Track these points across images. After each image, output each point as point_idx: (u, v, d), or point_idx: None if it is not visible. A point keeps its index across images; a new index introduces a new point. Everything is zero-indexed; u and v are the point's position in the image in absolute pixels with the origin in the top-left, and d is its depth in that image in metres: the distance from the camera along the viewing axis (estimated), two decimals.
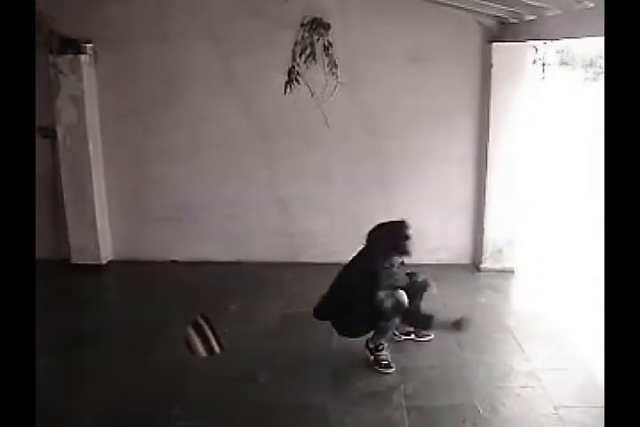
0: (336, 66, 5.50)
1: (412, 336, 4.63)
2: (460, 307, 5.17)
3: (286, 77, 5.47)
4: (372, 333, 4.23)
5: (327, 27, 5.49)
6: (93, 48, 5.76)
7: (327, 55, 5.49)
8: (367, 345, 4.27)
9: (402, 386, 3.94)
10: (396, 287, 4.13)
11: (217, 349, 3.55)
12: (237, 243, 6.13)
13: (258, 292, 5.47)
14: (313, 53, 5.50)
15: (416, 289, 4.36)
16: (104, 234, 6.16)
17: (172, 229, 6.15)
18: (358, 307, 4.08)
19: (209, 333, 3.56)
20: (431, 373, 4.12)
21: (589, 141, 12.67)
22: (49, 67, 5.53)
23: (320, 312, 4.30)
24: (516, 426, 3.57)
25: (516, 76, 5.58)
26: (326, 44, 5.49)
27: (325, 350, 4.44)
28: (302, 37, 5.48)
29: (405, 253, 4.23)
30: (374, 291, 4.04)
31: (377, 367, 4.18)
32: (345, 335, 4.30)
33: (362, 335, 4.26)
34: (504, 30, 5.54)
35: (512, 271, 5.95)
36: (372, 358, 4.24)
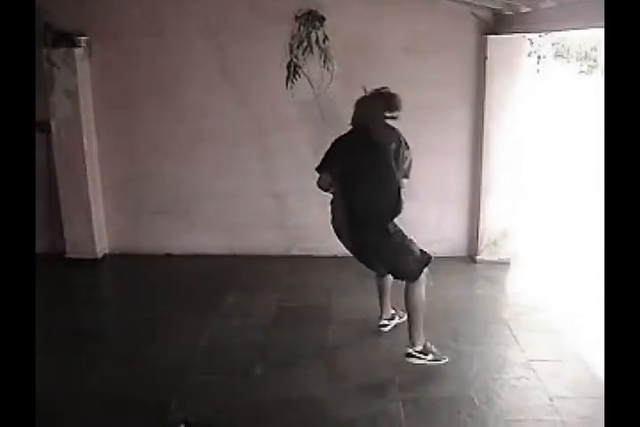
0: (331, 59, 5.49)
1: (397, 319, 4.60)
2: (456, 298, 5.20)
3: (285, 71, 5.44)
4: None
5: (322, 19, 5.47)
6: (88, 41, 5.73)
7: (321, 48, 5.48)
8: (410, 354, 4.06)
9: (397, 378, 3.95)
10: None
11: None
12: (233, 236, 6.13)
13: (253, 285, 5.48)
14: (309, 46, 5.48)
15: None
16: (99, 228, 6.16)
17: (167, 222, 6.14)
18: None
19: None
20: (426, 365, 4.12)
21: (585, 134, 12.70)
22: (43, 60, 5.50)
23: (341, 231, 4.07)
24: (512, 417, 3.58)
25: (511, 69, 5.58)
26: (321, 36, 5.48)
27: (321, 343, 4.45)
28: (298, 30, 5.47)
29: (397, 108, 3.91)
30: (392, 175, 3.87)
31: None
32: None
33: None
34: (499, 22, 5.53)
35: (508, 263, 5.97)
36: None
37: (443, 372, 4.04)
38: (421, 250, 4.04)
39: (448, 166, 5.97)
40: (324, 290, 5.28)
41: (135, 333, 4.64)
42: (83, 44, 5.70)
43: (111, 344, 4.52)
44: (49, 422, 3.42)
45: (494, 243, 5.93)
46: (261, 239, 6.15)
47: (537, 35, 5.61)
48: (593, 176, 8.00)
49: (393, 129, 3.99)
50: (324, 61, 5.46)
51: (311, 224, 5.92)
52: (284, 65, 5.45)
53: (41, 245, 5.79)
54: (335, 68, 5.50)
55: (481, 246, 5.95)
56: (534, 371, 4.02)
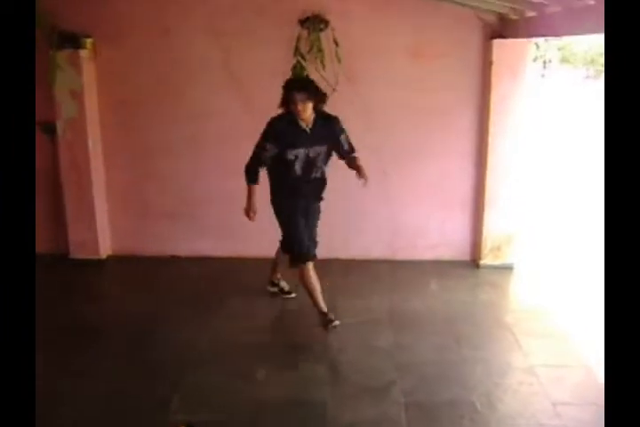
0: (337, 62, 5.50)
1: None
2: (459, 303, 5.19)
3: (290, 73, 5.44)
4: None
5: (326, 23, 5.48)
6: (93, 42, 5.75)
7: (324, 51, 5.49)
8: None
9: (399, 382, 3.94)
10: None
11: None
12: (237, 238, 6.12)
13: (258, 287, 5.47)
14: (314, 49, 5.49)
15: None
16: (103, 229, 6.16)
17: (172, 224, 6.14)
18: None
19: None
20: (429, 369, 4.11)
21: (589, 139, 12.68)
22: (49, 61, 5.51)
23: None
24: (514, 422, 3.57)
25: (516, 73, 5.57)
26: (325, 40, 5.49)
27: (324, 346, 4.45)
28: (308, 35, 5.48)
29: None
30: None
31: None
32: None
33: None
34: (505, 27, 5.53)
35: (511, 268, 5.95)
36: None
37: (445, 376, 4.04)
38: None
39: (452, 170, 5.96)
40: (328, 292, 5.27)
41: (138, 333, 4.64)
42: (88, 46, 5.72)
43: (114, 344, 4.51)
44: (50, 419, 3.43)
45: (498, 247, 5.92)
46: (266, 242, 6.14)
47: (543, 39, 5.58)
48: (597, 181, 7.98)
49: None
50: (323, 65, 5.47)
51: None
52: (289, 67, 5.47)
53: (45, 245, 5.88)
54: (339, 71, 5.52)
55: (484, 251, 5.94)
56: (537, 376, 4.01)
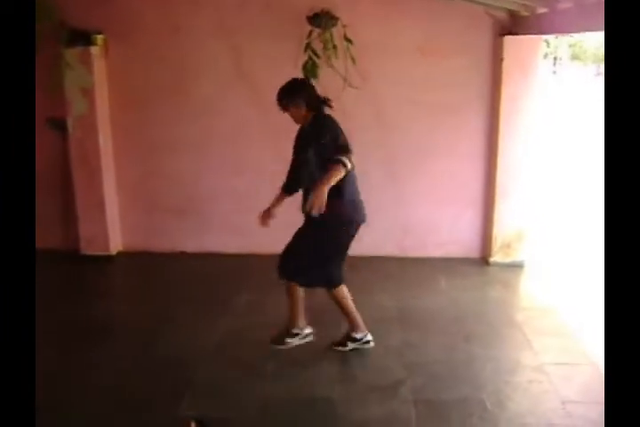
0: (351, 60, 5.49)
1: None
2: (469, 301, 5.18)
3: (300, 70, 5.43)
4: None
5: (335, 20, 5.47)
6: (104, 40, 5.76)
7: (335, 48, 5.48)
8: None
9: (409, 380, 3.93)
10: None
11: None
12: (246, 235, 6.11)
13: (266, 284, 5.47)
14: (328, 46, 5.48)
15: None
16: (113, 225, 6.18)
17: (181, 220, 6.16)
18: None
19: None
20: (438, 367, 4.11)
21: (599, 136, 12.63)
22: (59, 58, 5.53)
23: None
24: (524, 421, 3.56)
25: (527, 70, 5.56)
26: (335, 37, 5.48)
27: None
28: (312, 31, 5.47)
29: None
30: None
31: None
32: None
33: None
34: (515, 23, 5.51)
35: (522, 266, 5.94)
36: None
37: (455, 374, 4.03)
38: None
39: (462, 168, 5.95)
40: None
41: (148, 329, 4.66)
42: (99, 43, 5.73)
43: (124, 340, 4.53)
44: (61, 415, 3.46)
45: (508, 245, 5.91)
46: (275, 238, 6.14)
47: (553, 36, 5.56)
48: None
49: None
50: (331, 62, 5.45)
51: None
52: (299, 64, 5.46)
53: (55, 241, 5.93)
54: (348, 68, 5.51)
55: (495, 249, 5.93)
56: (547, 374, 4.00)
